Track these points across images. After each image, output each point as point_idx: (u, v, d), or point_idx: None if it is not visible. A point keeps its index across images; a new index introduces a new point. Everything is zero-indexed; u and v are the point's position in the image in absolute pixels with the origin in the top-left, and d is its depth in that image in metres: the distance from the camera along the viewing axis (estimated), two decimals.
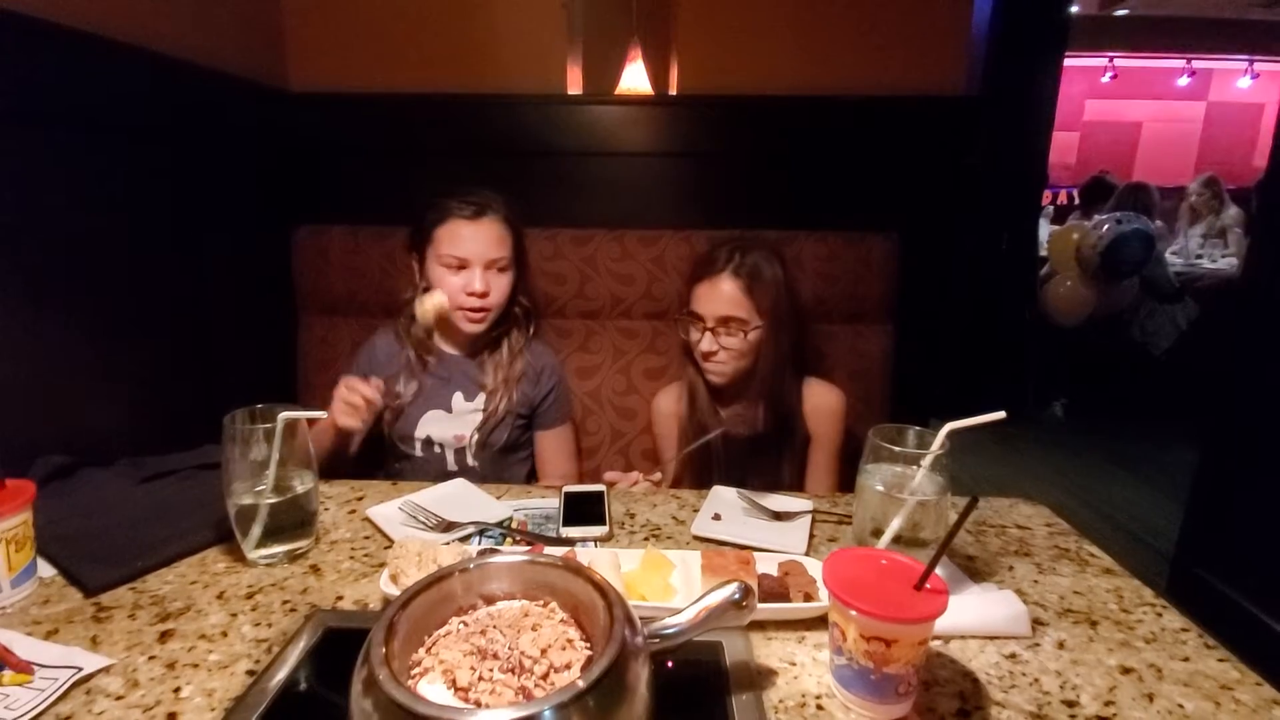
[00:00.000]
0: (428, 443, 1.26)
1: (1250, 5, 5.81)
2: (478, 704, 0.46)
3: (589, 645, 0.53)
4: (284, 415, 0.77)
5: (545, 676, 0.48)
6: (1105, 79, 7.09)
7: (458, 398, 1.27)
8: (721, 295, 1.19)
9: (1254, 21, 6.10)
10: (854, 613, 0.55)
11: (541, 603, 0.57)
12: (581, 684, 0.43)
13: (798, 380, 1.28)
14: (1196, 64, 6.77)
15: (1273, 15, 5.82)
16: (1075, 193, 4.98)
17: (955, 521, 0.58)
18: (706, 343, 1.20)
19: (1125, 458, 3.09)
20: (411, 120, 1.73)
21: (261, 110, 1.61)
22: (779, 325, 1.22)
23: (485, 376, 1.28)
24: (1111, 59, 6.94)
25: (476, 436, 1.26)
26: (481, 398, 1.28)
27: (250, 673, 0.61)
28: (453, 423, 1.26)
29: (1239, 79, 6.80)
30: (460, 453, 1.27)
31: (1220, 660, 0.65)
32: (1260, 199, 1.72)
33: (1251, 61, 6.66)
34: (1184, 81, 6.85)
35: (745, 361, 1.22)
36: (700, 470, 1.24)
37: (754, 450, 1.25)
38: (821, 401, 1.29)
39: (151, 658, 0.63)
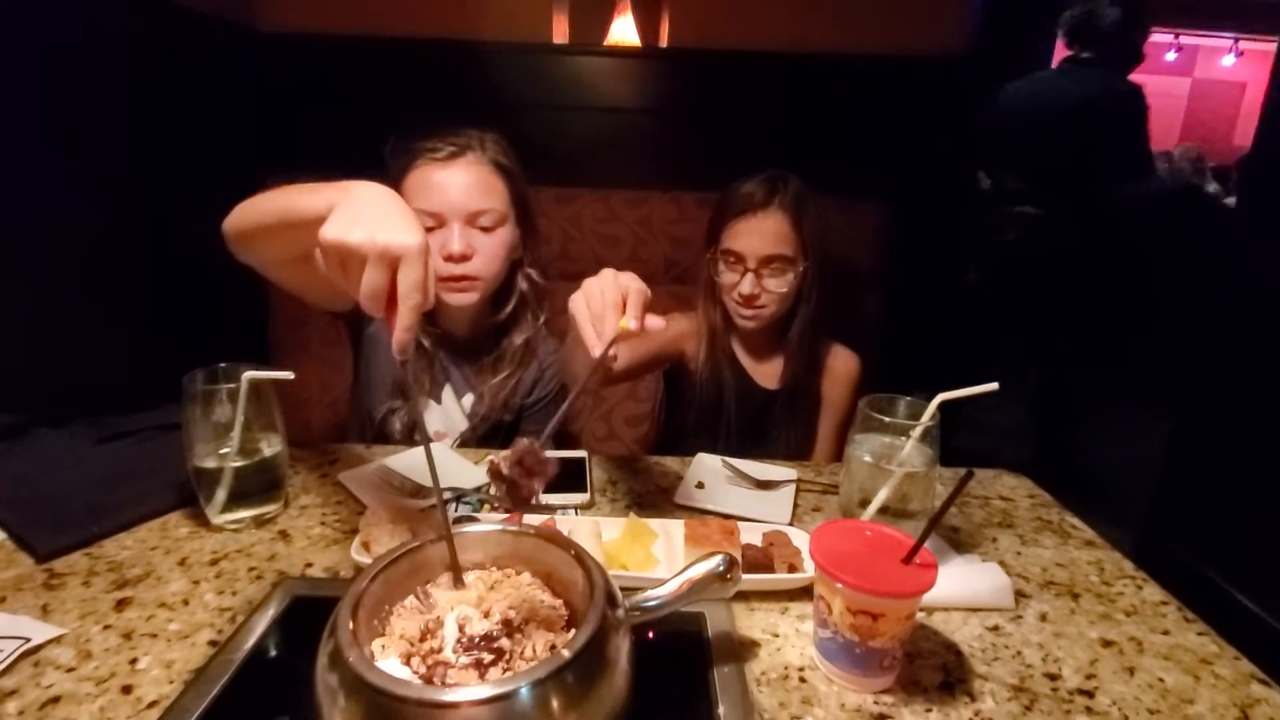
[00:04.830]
0: (412, 427, 1.07)
1: None
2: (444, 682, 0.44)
3: (566, 618, 0.51)
4: (248, 375, 0.73)
5: (520, 651, 0.46)
6: None
7: (448, 392, 1.10)
8: (768, 231, 1.08)
9: (1243, 1, 6.07)
10: (841, 586, 0.53)
11: (515, 573, 0.55)
12: (565, 655, 0.41)
13: (823, 338, 1.21)
14: (1184, 39, 6.73)
15: None
16: None
17: (948, 496, 0.56)
18: (748, 285, 1.09)
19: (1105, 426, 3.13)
20: (387, 65, 1.65)
21: (226, 50, 1.51)
22: (821, 266, 1.13)
23: (481, 376, 1.10)
24: None
25: (459, 437, 1.10)
26: (470, 400, 1.10)
27: (213, 643, 0.58)
28: (440, 416, 1.10)
29: (1224, 57, 6.78)
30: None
31: (1200, 634, 0.65)
32: (1243, 177, 1.72)
33: (1236, 40, 6.64)
34: (1171, 56, 6.82)
35: (784, 307, 1.13)
36: (708, 425, 1.18)
37: (766, 409, 1.19)
38: (841, 365, 1.22)
39: (106, 627, 0.59)
